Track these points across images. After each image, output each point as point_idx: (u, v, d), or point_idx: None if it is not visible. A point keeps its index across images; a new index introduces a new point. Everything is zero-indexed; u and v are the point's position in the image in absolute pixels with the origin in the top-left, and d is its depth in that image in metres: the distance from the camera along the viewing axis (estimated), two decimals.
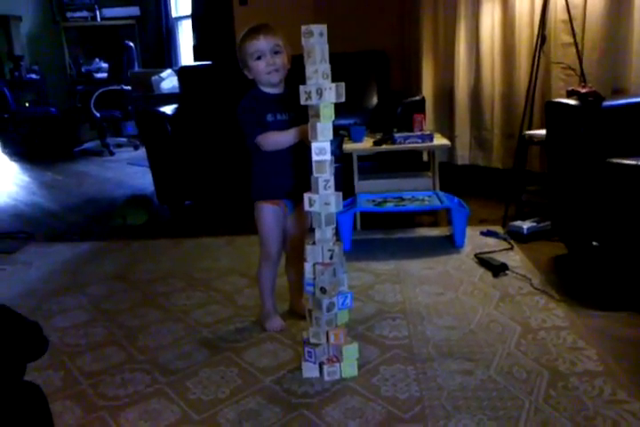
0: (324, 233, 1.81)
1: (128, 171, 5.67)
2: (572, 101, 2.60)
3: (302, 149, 2.01)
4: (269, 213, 2.12)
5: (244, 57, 2.02)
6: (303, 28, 1.70)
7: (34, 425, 1.08)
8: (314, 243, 1.83)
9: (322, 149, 1.76)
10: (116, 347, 2.14)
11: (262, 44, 1.98)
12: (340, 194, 1.82)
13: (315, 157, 1.76)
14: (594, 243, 2.49)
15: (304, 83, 1.75)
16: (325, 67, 1.73)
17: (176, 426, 1.65)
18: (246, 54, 2.00)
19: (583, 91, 2.80)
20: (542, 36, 3.26)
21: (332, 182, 1.79)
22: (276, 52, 2.00)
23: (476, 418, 1.60)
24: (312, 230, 1.84)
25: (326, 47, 1.73)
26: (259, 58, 1.99)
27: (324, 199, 1.78)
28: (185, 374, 1.92)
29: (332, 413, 1.66)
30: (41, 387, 1.16)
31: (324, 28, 1.71)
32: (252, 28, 2.03)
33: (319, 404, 1.71)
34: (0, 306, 1.11)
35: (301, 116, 1.99)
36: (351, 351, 1.85)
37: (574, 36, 3.23)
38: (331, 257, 1.81)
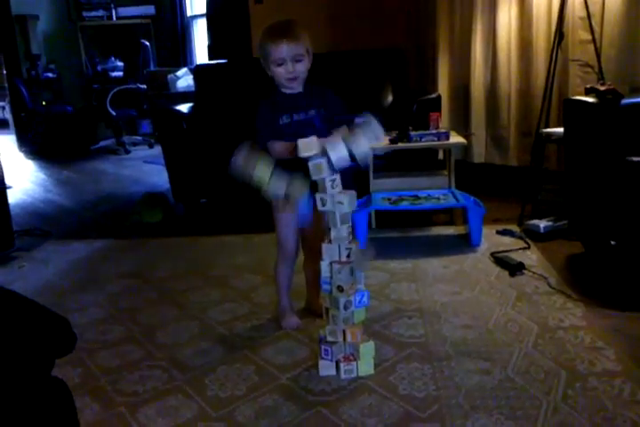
0: (340, 232, 1.81)
1: (144, 169, 5.70)
2: (590, 99, 2.58)
3: (311, 131, 1.98)
4: (286, 211, 2.12)
5: (265, 57, 2.00)
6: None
7: (60, 420, 1.10)
8: (330, 241, 1.83)
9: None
10: (133, 344, 2.16)
11: (285, 51, 1.94)
12: (354, 193, 1.82)
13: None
14: (612, 242, 2.47)
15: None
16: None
17: (193, 423, 1.66)
18: (268, 57, 1.98)
19: (602, 88, 2.77)
20: (560, 33, 3.24)
21: (338, 181, 1.79)
22: (298, 60, 1.97)
23: (494, 418, 1.59)
24: (328, 229, 1.84)
25: None
26: (280, 64, 1.97)
27: (335, 198, 1.78)
28: (202, 371, 1.93)
29: (349, 411, 1.66)
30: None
31: None
32: (278, 28, 1.99)
33: (336, 402, 1.71)
34: (30, 301, 1.12)
35: (320, 114, 2.01)
36: (368, 350, 1.85)
37: (592, 32, 3.19)
38: (348, 255, 1.81)
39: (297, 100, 2.05)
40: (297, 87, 2.05)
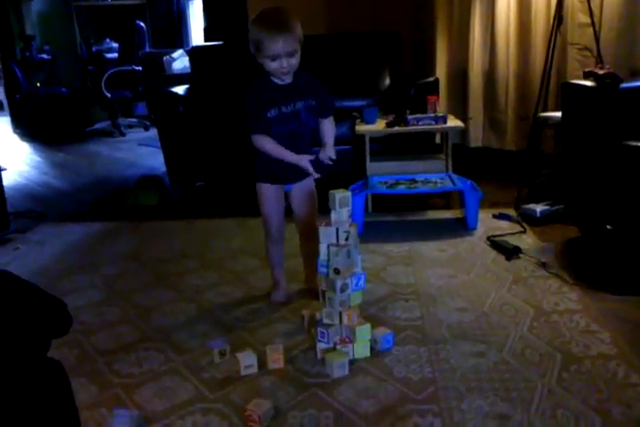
0: (340, 215, 1.81)
1: (139, 151, 5.67)
2: (588, 83, 2.57)
3: (301, 137, 2.08)
4: (269, 192, 2.16)
5: (257, 49, 1.95)
6: None
7: (57, 401, 1.10)
8: (328, 224, 1.83)
9: None
10: (130, 326, 2.16)
11: (280, 48, 1.91)
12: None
13: None
14: (607, 226, 2.48)
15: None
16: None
17: (190, 404, 1.67)
18: (261, 50, 1.94)
19: (600, 72, 2.76)
20: (559, 17, 3.21)
21: None
22: (291, 55, 1.95)
23: (489, 400, 1.61)
24: (328, 212, 1.84)
25: None
26: (273, 60, 1.95)
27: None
28: (198, 353, 1.93)
29: (345, 393, 1.67)
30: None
31: None
32: (272, 20, 1.94)
33: (332, 384, 1.72)
34: (26, 282, 1.12)
35: (307, 106, 2.04)
36: (364, 332, 1.86)
37: (592, 16, 3.17)
38: (346, 238, 1.81)
39: (286, 92, 2.04)
40: (287, 79, 2.04)
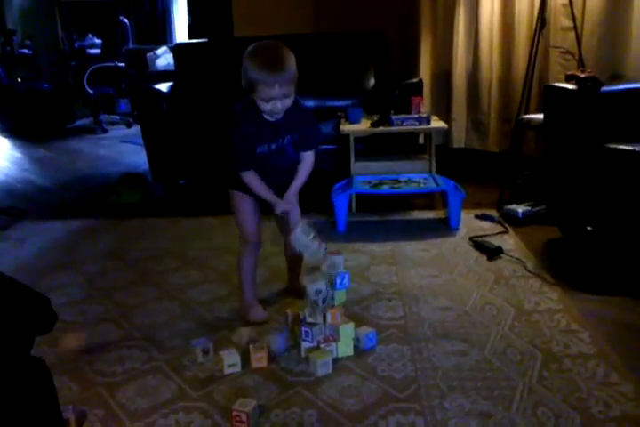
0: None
1: (121, 149, 5.63)
2: (570, 86, 2.60)
3: (287, 170, 2.06)
4: (245, 200, 2.10)
5: (251, 87, 1.89)
6: None
7: (40, 399, 1.09)
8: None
9: None
10: (112, 324, 2.15)
11: (276, 93, 1.87)
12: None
13: None
14: (588, 227, 2.51)
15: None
16: None
17: (173, 402, 1.66)
18: (255, 90, 1.88)
19: (582, 75, 2.79)
20: (542, 20, 3.25)
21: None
22: (286, 96, 1.90)
23: (471, 398, 1.62)
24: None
25: None
26: (267, 101, 1.90)
27: None
28: (181, 351, 1.92)
29: (329, 391, 1.68)
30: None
31: None
32: (268, 61, 1.86)
33: (315, 383, 1.72)
34: (9, 279, 1.10)
35: (294, 140, 2.02)
36: (347, 331, 1.86)
37: (574, 20, 3.21)
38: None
39: (276, 129, 1.99)
40: (278, 116, 1.97)
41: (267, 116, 1.97)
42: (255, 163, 2.00)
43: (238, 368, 1.79)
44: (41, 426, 1.10)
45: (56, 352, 1.95)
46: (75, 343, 2.00)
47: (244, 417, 1.52)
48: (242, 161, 1.99)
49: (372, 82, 4.11)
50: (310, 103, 4.01)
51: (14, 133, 6.49)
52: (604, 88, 2.57)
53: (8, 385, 1.04)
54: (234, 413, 1.54)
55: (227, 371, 1.79)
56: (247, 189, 2.06)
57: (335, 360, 1.82)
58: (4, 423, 1.05)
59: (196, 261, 2.70)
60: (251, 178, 2.00)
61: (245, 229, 2.12)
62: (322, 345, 1.85)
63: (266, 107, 1.91)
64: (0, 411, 1.04)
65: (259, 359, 1.82)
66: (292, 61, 1.90)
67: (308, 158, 2.08)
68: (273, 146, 2.00)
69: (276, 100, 1.89)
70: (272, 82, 1.85)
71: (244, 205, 2.10)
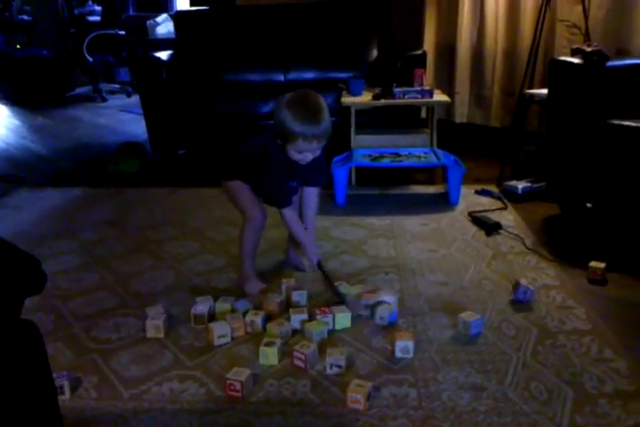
0: None
1: (121, 118, 5.58)
2: (575, 60, 2.56)
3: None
4: (242, 185, 2.10)
5: (286, 137, 1.89)
6: None
7: (30, 363, 1.08)
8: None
9: None
10: (108, 292, 2.15)
11: (313, 147, 1.89)
12: None
13: None
14: (588, 204, 2.50)
15: None
16: None
17: (168, 370, 1.67)
18: (290, 141, 1.88)
19: (588, 49, 2.74)
20: None
21: None
22: (318, 149, 1.93)
23: (465, 371, 1.63)
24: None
25: None
26: (300, 152, 1.91)
27: None
28: (178, 320, 1.93)
29: (323, 362, 1.68)
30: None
31: None
32: (311, 118, 1.85)
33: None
34: None
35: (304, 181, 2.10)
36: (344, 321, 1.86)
37: None
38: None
39: (297, 170, 2.02)
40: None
41: (293, 159, 1.97)
42: None
43: (228, 339, 1.79)
44: (31, 391, 1.09)
45: (52, 319, 1.95)
46: None
47: (237, 386, 1.53)
48: (285, 197, 2.03)
49: (374, 53, 4.04)
50: (311, 75, 3.97)
51: (13, 101, 6.43)
52: (610, 63, 2.52)
53: None
54: (228, 382, 1.54)
55: (216, 342, 1.78)
56: (242, 177, 2.08)
57: (331, 332, 1.82)
58: None
59: (195, 232, 2.70)
60: (292, 216, 2.06)
61: (252, 213, 2.11)
62: (318, 316, 1.85)
63: (297, 156, 1.93)
64: None
65: (237, 329, 1.82)
66: (329, 115, 1.90)
67: (315, 195, 2.15)
68: (292, 183, 2.06)
69: (307, 153, 1.91)
70: (312, 138, 1.86)
71: (243, 189, 2.10)
